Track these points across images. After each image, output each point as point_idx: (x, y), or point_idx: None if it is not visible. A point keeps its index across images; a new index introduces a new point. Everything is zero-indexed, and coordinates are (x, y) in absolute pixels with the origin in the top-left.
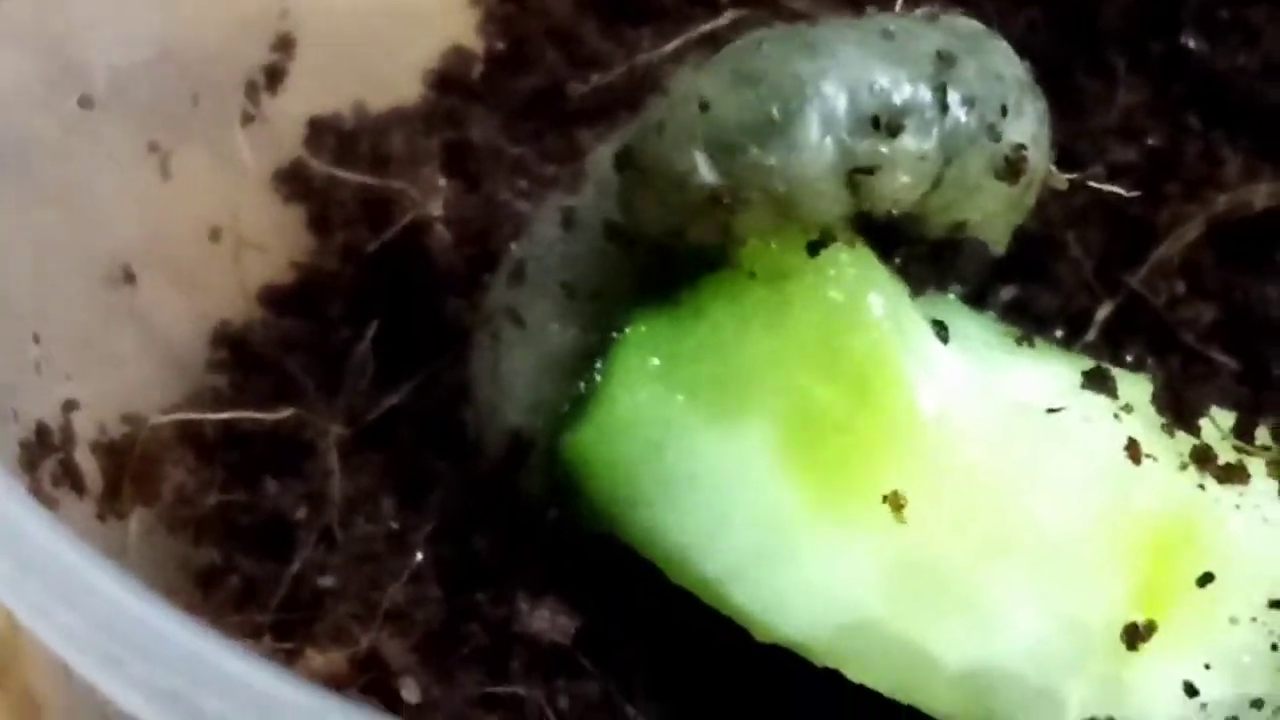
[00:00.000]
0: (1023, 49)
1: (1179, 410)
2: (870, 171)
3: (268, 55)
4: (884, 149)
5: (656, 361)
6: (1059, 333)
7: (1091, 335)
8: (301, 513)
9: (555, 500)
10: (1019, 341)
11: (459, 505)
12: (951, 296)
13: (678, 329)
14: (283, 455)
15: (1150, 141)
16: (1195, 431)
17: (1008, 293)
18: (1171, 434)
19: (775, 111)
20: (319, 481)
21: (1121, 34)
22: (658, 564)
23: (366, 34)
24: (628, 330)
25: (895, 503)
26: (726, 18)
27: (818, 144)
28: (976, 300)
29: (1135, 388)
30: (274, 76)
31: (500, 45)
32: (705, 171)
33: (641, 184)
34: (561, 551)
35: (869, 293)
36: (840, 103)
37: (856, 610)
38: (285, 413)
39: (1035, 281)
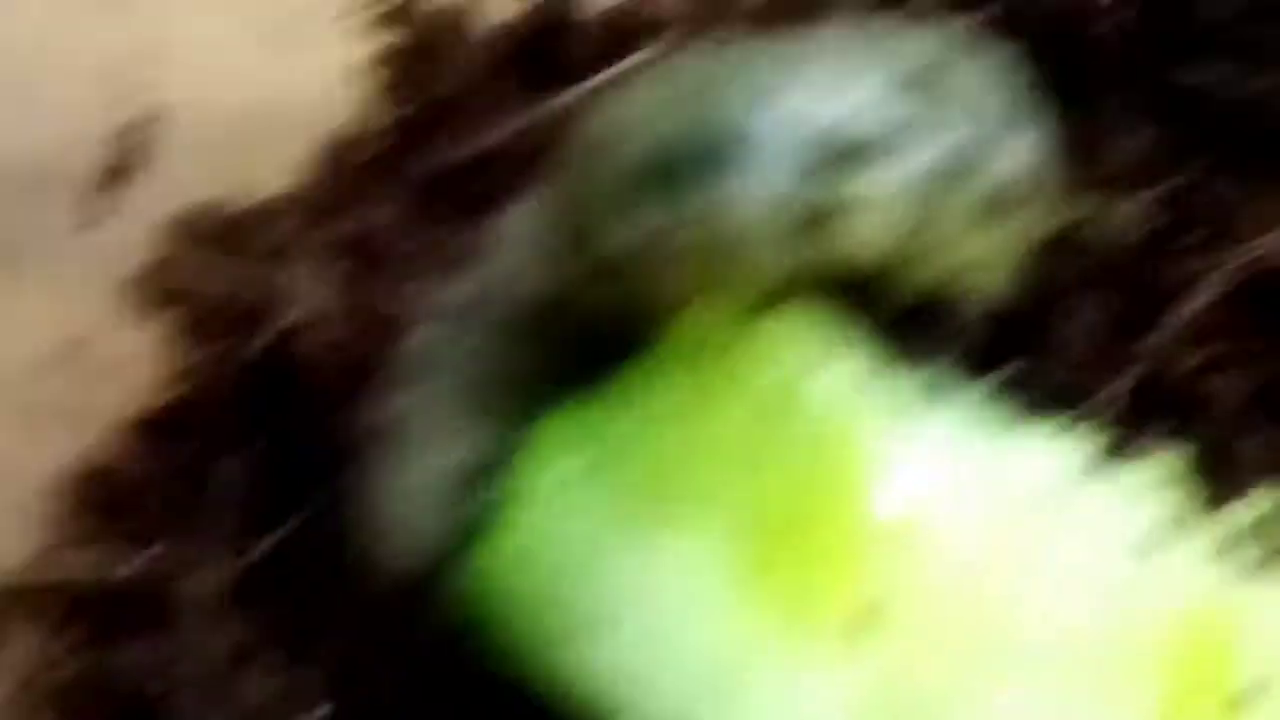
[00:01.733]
0: None
1: (1211, 492)
2: (830, 215)
3: (119, 145)
4: (847, 187)
5: (575, 467)
6: (1067, 413)
7: (1109, 415)
8: (176, 671)
9: (463, 639)
10: (1016, 422)
11: (357, 651)
12: (934, 371)
13: (599, 426)
14: (150, 611)
15: (1158, 189)
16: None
17: (1005, 368)
18: (1199, 521)
19: (712, 138)
20: (195, 637)
21: (1114, 69)
22: (586, 709)
23: (244, 108)
24: (539, 432)
25: (868, 620)
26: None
27: (764, 180)
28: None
29: (1158, 469)
30: (121, 173)
31: (400, 119)
32: (618, 217)
33: (570, 229)
34: (478, 695)
35: (826, 369)
36: (794, 130)
37: None
38: (150, 561)
39: (1037, 354)
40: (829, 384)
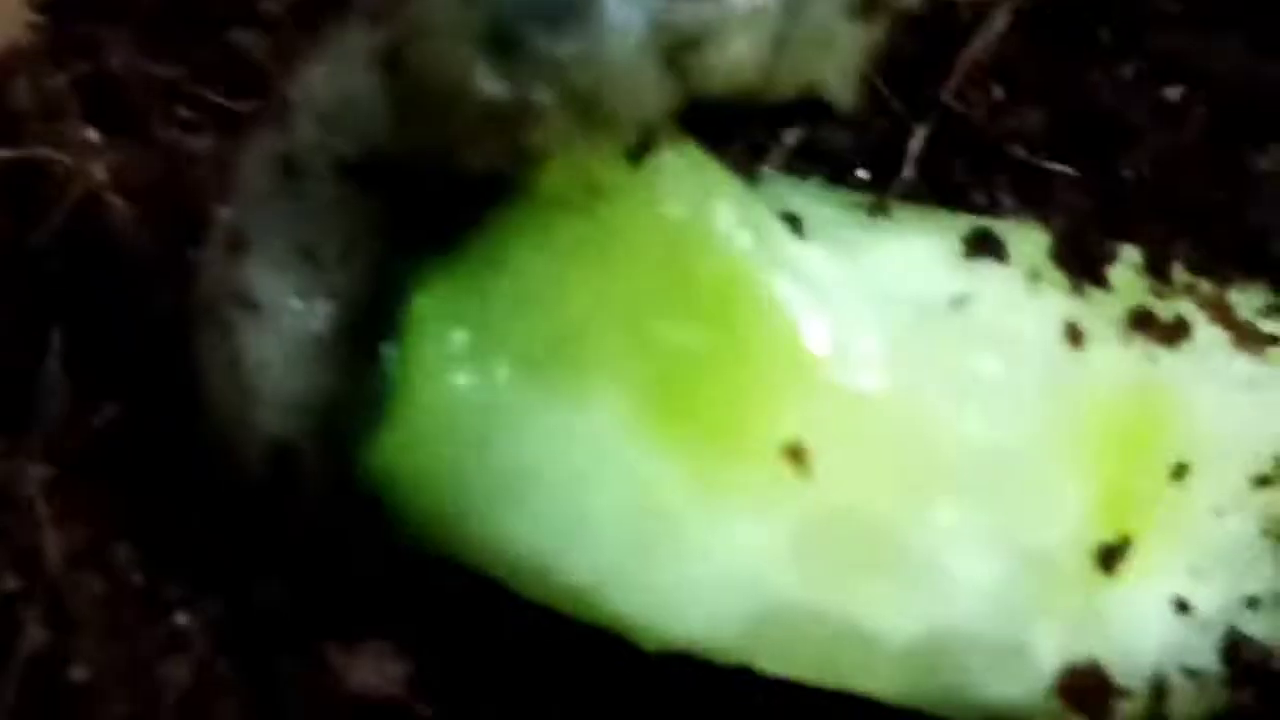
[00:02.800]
0: None
1: (1084, 261)
2: (696, 44)
3: None
4: (710, 10)
5: (463, 335)
6: (862, 173)
7: (909, 171)
8: (12, 582)
9: (358, 523)
10: (871, 212)
11: (218, 542)
12: (766, 171)
13: (478, 288)
14: None
15: None
16: (1106, 284)
17: (790, 136)
18: (1083, 294)
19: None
20: (26, 537)
21: None
22: (504, 579)
23: None
24: (417, 301)
25: (795, 454)
26: None
27: (624, 19)
28: (756, 155)
29: (1023, 242)
30: None
31: None
32: (485, 76)
33: (410, 102)
34: (372, 584)
35: (715, 201)
36: None
37: (766, 591)
38: None
39: (822, 117)
40: (725, 212)
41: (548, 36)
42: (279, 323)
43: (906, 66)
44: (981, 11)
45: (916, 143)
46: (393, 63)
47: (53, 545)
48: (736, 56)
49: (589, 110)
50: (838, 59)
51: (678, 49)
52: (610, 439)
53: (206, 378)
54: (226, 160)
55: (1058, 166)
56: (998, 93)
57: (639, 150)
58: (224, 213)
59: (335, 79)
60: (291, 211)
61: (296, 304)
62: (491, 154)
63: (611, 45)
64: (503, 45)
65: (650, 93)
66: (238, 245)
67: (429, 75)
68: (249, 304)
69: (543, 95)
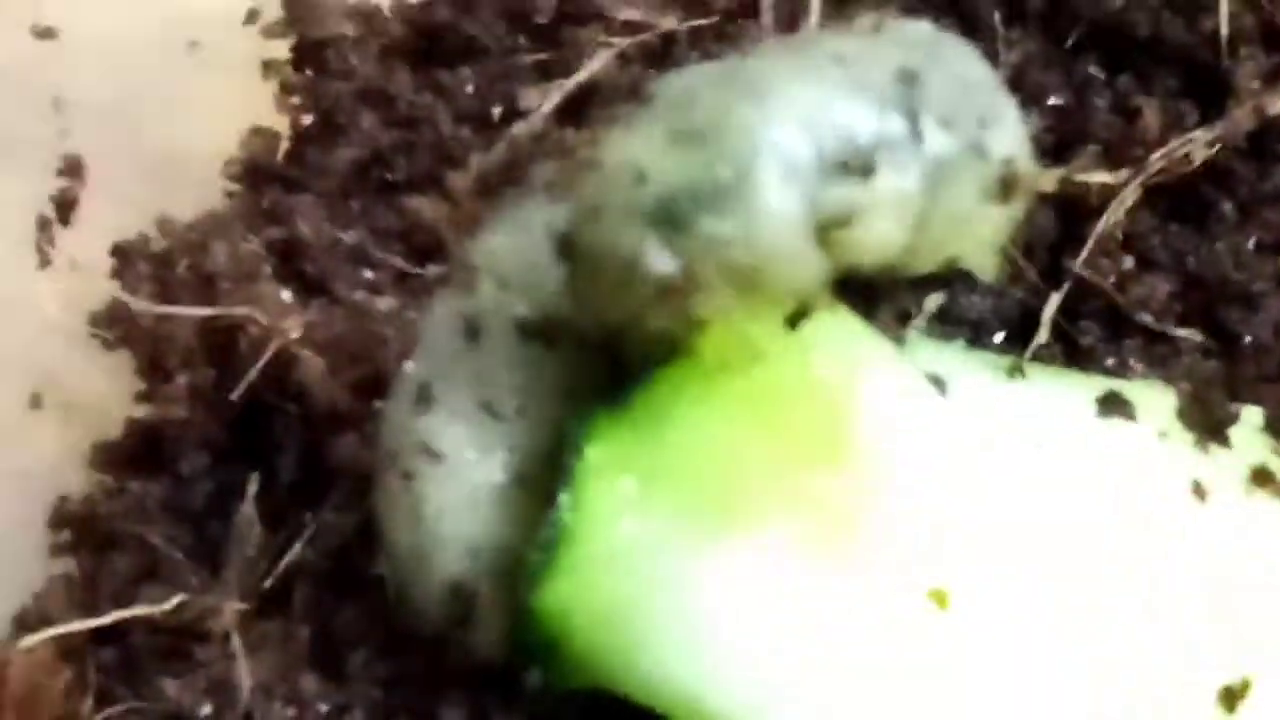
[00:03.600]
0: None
1: (1208, 422)
2: (846, 223)
3: (54, 184)
4: (859, 194)
5: (631, 483)
6: (998, 337)
7: (1043, 335)
8: (206, 709)
9: (530, 659)
10: (1010, 373)
11: (399, 674)
12: (913, 334)
13: (643, 441)
14: (171, 645)
15: (1052, 101)
16: (1228, 442)
17: (933, 301)
18: (1206, 451)
19: (725, 172)
20: (221, 669)
21: None
22: (666, 712)
23: (155, 132)
24: (589, 452)
25: (938, 596)
26: (601, 59)
27: (780, 202)
28: (904, 317)
29: (1151, 402)
30: (64, 207)
31: (305, 118)
32: (656, 254)
33: (586, 275)
34: (544, 715)
35: (866, 364)
36: (800, 150)
37: None
38: (171, 600)
39: (960, 282)
40: (876, 376)
41: (712, 217)
42: (459, 472)
43: (1042, 238)
44: (1113, 188)
45: (1050, 309)
46: (568, 242)
47: (244, 675)
48: (882, 234)
49: (749, 281)
50: (977, 237)
51: (829, 227)
52: (767, 579)
53: (389, 521)
54: (406, 319)
55: (1183, 332)
56: (1127, 263)
57: (795, 317)
58: (408, 368)
59: (515, 246)
60: (473, 368)
61: (476, 455)
62: (661, 322)
63: (769, 225)
64: (671, 224)
65: (804, 266)
66: (422, 399)
67: (603, 253)
68: (431, 454)
69: (708, 270)
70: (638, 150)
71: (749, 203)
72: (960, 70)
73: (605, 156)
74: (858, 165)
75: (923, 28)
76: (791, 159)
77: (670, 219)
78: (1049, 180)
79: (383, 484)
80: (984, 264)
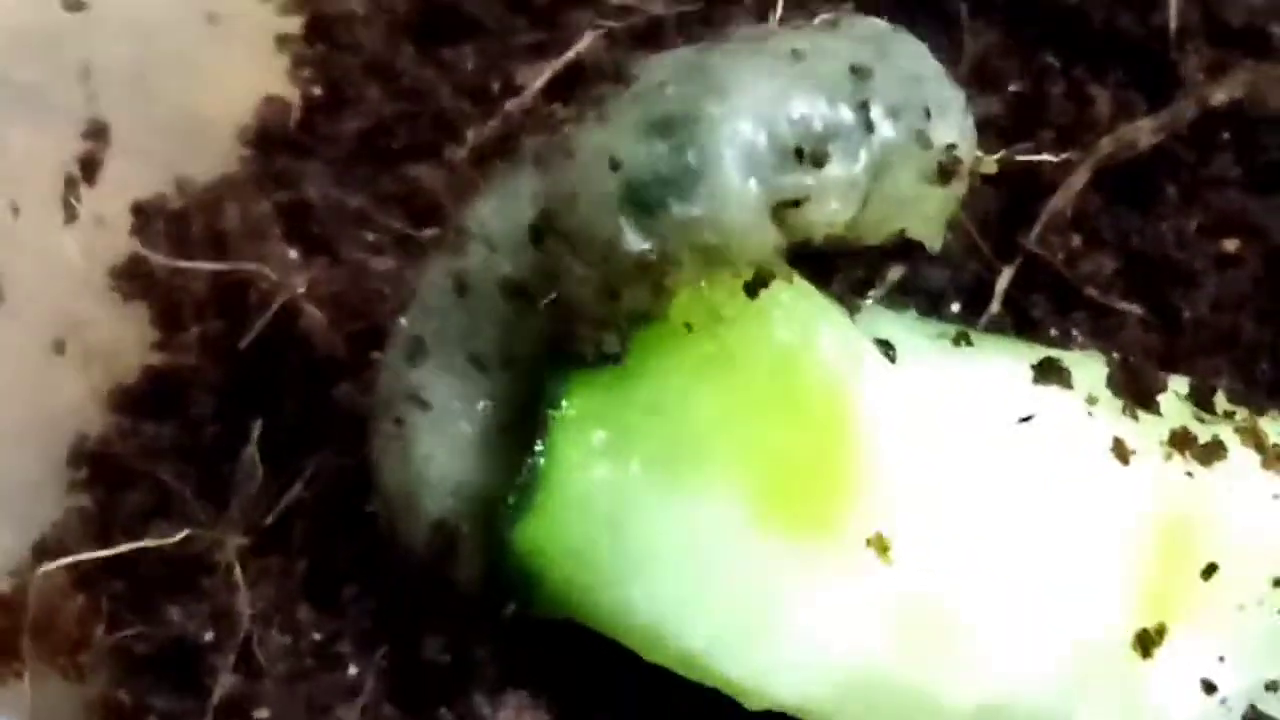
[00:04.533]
0: (856, 4)
1: (1138, 390)
2: (798, 204)
3: (80, 146)
4: (810, 180)
5: (602, 435)
6: (955, 306)
7: (995, 306)
8: (209, 635)
9: (507, 592)
10: (956, 341)
11: (387, 605)
12: (870, 302)
13: (617, 396)
14: (178, 575)
15: (1011, 88)
16: (1156, 409)
17: (895, 272)
18: (1135, 416)
19: (692, 159)
20: (223, 598)
21: None
22: (631, 644)
23: (175, 99)
24: (564, 405)
25: (880, 544)
26: (586, 40)
27: (741, 187)
28: (863, 287)
29: (1086, 370)
30: (90, 167)
31: (315, 89)
32: (630, 235)
33: (563, 256)
34: (518, 643)
35: (819, 327)
36: (759, 139)
37: (856, 663)
38: (178, 533)
39: (921, 255)
40: (828, 337)
41: (681, 202)
42: (446, 420)
43: (996, 215)
44: (1065, 170)
45: (1003, 282)
46: (546, 223)
47: (245, 605)
48: (831, 213)
49: (714, 256)
50: (921, 214)
51: (783, 207)
52: (725, 524)
53: (380, 463)
54: (404, 278)
55: (1126, 306)
56: (1076, 240)
57: (754, 285)
58: (403, 323)
59: (504, 211)
60: (461, 324)
61: (461, 404)
62: (641, 296)
63: (732, 208)
64: (644, 208)
65: (762, 240)
66: (414, 352)
67: (581, 234)
68: (421, 403)
69: (680, 248)
70: (611, 141)
71: (714, 187)
72: (909, 65)
73: (579, 146)
74: (811, 154)
75: (876, 23)
76: (752, 148)
77: (643, 203)
78: (990, 165)
79: (376, 428)
80: (930, 237)
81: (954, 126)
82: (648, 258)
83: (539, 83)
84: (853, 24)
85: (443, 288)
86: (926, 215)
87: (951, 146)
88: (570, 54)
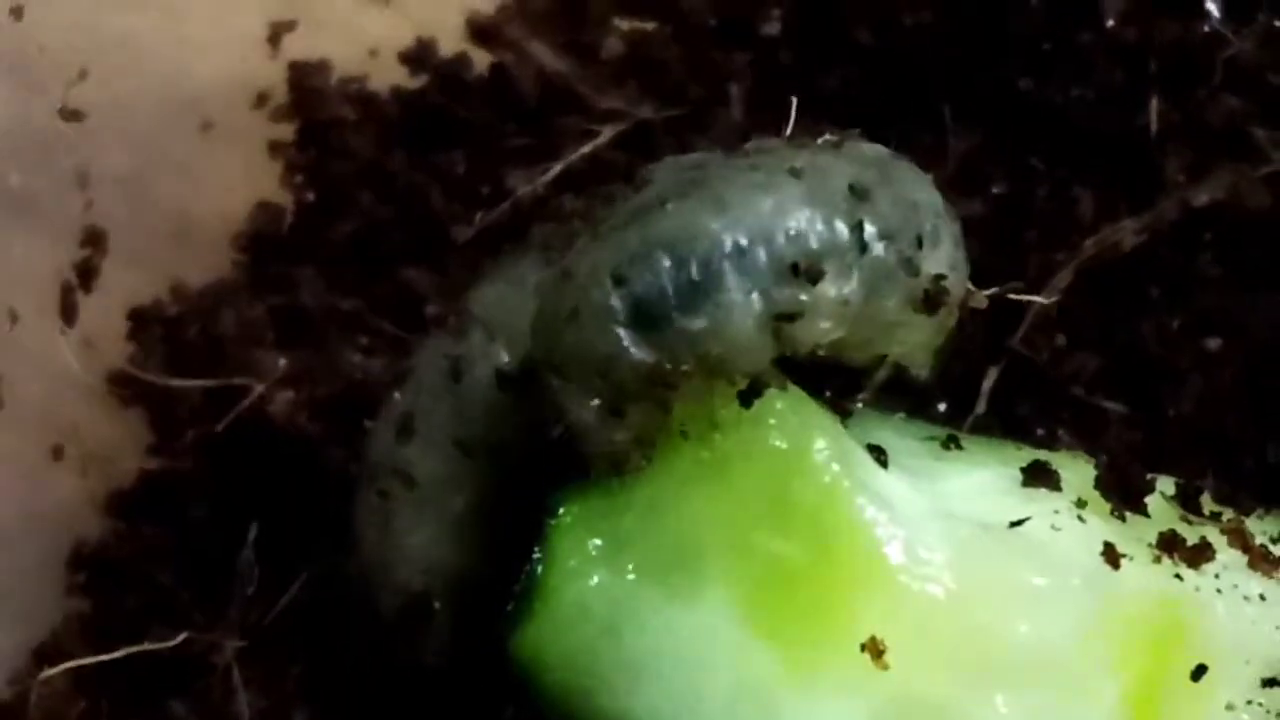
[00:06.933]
0: (840, 107)
1: (1125, 492)
2: (792, 319)
3: (78, 252)
4: (804, 296)
5: (598, 543)
6: (941, 406)
7: (981, 407)
8: None
9: (504, 697)
10: (945, 445)
11: (384, 708)
12: (859, 405)
13: (612, 503)
14: (177, 678)
15: (995, 190)
16: (1144, 511)
17: (882, 372)
18: (1124, 519)
19: (695, 274)
20: (221, 700)
21: (943, 80)
22: None
23: (171, 205)
24: (560, 514)
25: (874, 649)
26: (585, 149)
27: (743, 300)
28: (850, 387)
29: (1074, 471)
30: (87, 273)
31: (308, 194)
32: (635, 349)
33: (565, 378)
34: None
35: (812, 435)
36: (759, 254)
37: None
38: (177, 636)
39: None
40: (821, 445)
41: (686, 315)
42: (428, 499)
43: (982, 315)
44: (1048, 269)
45: (988, 382)
46: (544, 354)
47: (243, 706)
48: (822, 330)
49: (714, 367)
50: (908, 340)
51: (780, 321)
52: (719, 632)
53: (362, 530)
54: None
55: (1110, 405)
56: (1060, 340)
57: (750, 393)
58: (396, 396)
59: (506, 300)
60: (453, 407)
61: (444, 486)
62: (649, 410)
63: (735, 320)
64: (649, 323)
65: (758, 352)
66: (404, 427)
67: (583, 351)
68: (406, 478)
69: (684, 360)
70: (612, 258)
71: (716, 301)
72: (908, 191)
73: (577, 267)
74: (806, 271)
75: (879, 149)
76: (751, 263)
77: (648, 318)
78: (980, 299)
79: (362, 497)
80: (917, 364)
81: (944, 257)
82: (657, 370)
83: (530, 188)
84: (856, 146)
85: (439, 368)
86: (914, 342)
87: (940, 277)
88: (559, 166)
